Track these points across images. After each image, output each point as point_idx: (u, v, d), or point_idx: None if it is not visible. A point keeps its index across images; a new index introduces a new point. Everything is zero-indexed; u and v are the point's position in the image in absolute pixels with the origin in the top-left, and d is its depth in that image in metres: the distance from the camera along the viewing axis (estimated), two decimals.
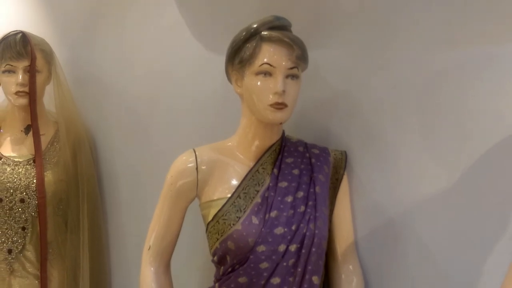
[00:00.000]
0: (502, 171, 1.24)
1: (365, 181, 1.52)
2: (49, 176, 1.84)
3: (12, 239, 1.82)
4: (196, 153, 1.40)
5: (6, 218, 1.81)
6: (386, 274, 1.48)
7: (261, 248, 1.28)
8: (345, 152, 1.50)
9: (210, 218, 1.34)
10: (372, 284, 1.51)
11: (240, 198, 1.33)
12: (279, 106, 1.30)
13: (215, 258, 1.37)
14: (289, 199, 1.34)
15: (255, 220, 1.30)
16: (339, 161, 1.48)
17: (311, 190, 1.37)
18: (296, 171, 1.39)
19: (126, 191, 1.99)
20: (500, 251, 1.27)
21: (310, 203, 1.35)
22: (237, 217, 1.30)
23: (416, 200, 1.42)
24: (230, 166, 1.39)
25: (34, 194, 1.81)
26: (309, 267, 1.30)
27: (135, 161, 1.97)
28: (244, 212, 1.31)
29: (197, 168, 1.38)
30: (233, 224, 1.30)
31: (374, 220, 1.50)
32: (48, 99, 2.01)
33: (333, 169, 1.46)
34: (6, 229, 1.81)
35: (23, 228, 1.82)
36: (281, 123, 1.36)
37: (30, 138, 1.87)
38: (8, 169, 1.83)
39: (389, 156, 1.45)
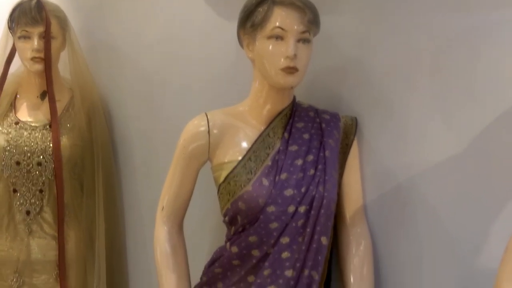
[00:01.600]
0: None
1: (375, 146, 1.54)
2: (64, 140, 1.88)
3: (30, 201, 1.87)
4: (208, 116, 1.43)
5: (24, 180, 1.86)
6: (394, 238, 1.52)
7: (271, 208, 1.32)
8: (356, 118, 1.52)
9: (221, 180, 1.38)
10: (380, 247, 1.54)
11: (250, 160, 1.36)
12: (291, 70, 1.31)
13: (226, 218, 1.41)
14: (299, 162, 1.37)
15: (265, 182, 1.34)
16: (349, 127, 1.49)
17: (321, 154, 1.40)
18: (306, 136, 1.41)
19: (139, 157, 2.03)
20: (508, 216, 1.29)
21: (319, 166, 1.38)
22: (247, 178, 1.34)
23: (425, 164, 1.44)
24: (241, 129, 1.42)
25: (50, 158, 1.86)
26: (318, 228, 1.33)
27: (148, 127, 2.00)
28: (255, 174, 1.34)
29: (209, 132, 1.41)
30: (244, 186, 1.33)
31: (383, 185, 1.52)
32: (63, 66, 2.04)
33: (343, 135, 1.48)
34: (25, 191, 1.87)
35: (41, 191, 1.88)
36: (292, 87, 1.38)
37: (46, 103, 1.91)
38: (25, 133, 1.88)
39: (400, 121, 1.47)
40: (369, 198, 1.55)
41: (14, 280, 1.87)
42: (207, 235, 1.74)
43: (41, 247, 1.88)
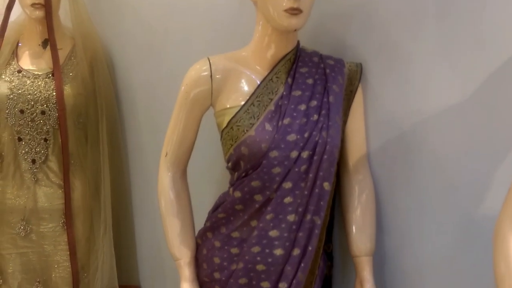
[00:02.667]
0: None
1: (380, 93, 1.52)
2: (67, 89, 1.88)
3: (35, 150, 1.88)
4: (211, 61, 1.41)
5: (29, 129, 1.87)
6: (397, 185, 1.52)
7: (273, 153, 1.32)
8: (361, 64, 1.50)
9: (224, 125, 1.37)
10: (383, 195, 1.55)
11: (253, 105, 1.35)
12: (294, 11, 1.28)
13: (230, 164, 1.41)
14: (302, 107, 1.35)
15: (268, 127, 1.33)
16: (354, 73, 1.47)
17: (325, 99, 1.38)
18: (310, 81, 1.40)
19: (143, 106, 2.03)
20: (510, 162, 1.28)
21: (323, 112, 1.36)
22: (250, 123, 1.33)
23: (430, 111, 1.42)
24: (244, 74, 1.40)
25: (54, 107, 1.85)
26: (321, 173, 1.33)
27: (151, 76, 1.98)
28: (258, 119, 1.34)
29: (211, 77, 1.40)
30: (247, 130, 1.33)
31: (387, 132, 1.52)
32: (64, 15, 2.01)
33: (347, 81, 1.46)
34: (29, 140, 1.88)
35: (45, 140, 1.89)
36: (296, 30, 1.35)
37: (48, 52, 1.89)
38: (28, 81, 1.87)
39: (405, 67, 1.45)
40: (373, 146, 1.54)
41: (22, 228, 1.90)
42: (211, 181, 1.75)
43: (48, 195, 1.91)
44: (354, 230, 1.47)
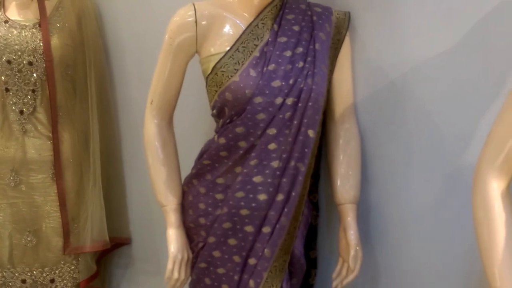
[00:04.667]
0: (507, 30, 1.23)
1: (369, 42, 1.51)
2: (55, 40, 1.85)
3: (23, 101, 1.87)
4: (196, 7, 1.39)
5: (16, 80, 1.85)
6: (384, 135, 1.53)
7: (258, 99, 1.32)
8: (349, 13, 1.48)
9: (209, 71, 1.37)
10: (369, 145, 1.55)
11: (238, 51, 1.34)
12: None
13: (214, 111, 1.41)
14: (288, 54, 1.35)
15: (252, 73, 1.32)
16: (342, 21, 1.46)
17: (311, 46, 1.37)
18: (296, 28, 1.38)
19: (132, 59, 2.01)
20: (496, 114, 1.28)
21: (309, 59, 1.36)
22: (235, 69, 1.32)
23: (419, 61, 1.42)
24: (230, 20, 1.39)
25: (41, 58, 1.84)
26: (305, 121, 1.34)
27: (140, 28, 1.96)
28: (242, 64, 1.33)
29: (196, 22, 1.38)
30: (231, 76, 1.32)
31: (375, 82, 1.51)
32: None
33: (335, 29, 1.45)
34: (17, 90, 1.86)
35: (33, 91, 1.87)
36: None
37: (35, 2, 1.86)
38: (15, 32, 1.85)
39: (394, 16, 1.44)
40: (360, 96, 1.54)
41: (11, 178, 1.91)
42: (198, 131, 1.75)
43: (36, 146, 1.91)
44: (339, 178, 1.48)
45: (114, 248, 2.14)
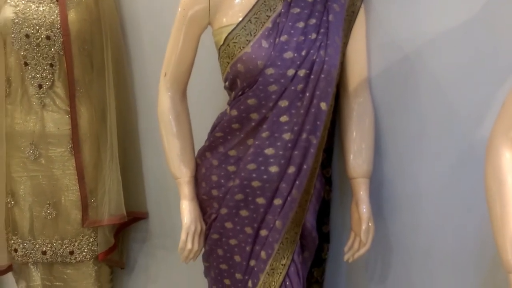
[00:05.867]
0: None
1: (383, 15, 1.49)
2: (72, 14, 1.87)
3: (41, 75, 1.90)
4: None
5: (34, 54, 1.88)
6: (397, 110, 1.51)
7: (269, 71, 1.31)
8: None
9: (221, 42, 1.36)
10: (383, 119, 1.54)
11: (251, 22, 1.33)
12: None
13: (227, 83, 1.41)
14: (301, 25, 1.33)
15: (264, 44, 1.32)
16: None
17: (324, 18, 1.36)
18: None
19: (148, 33, 2.02)
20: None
21: (322, 30, 1.34)
22: (247, 40, 1.32)
23: (433, 34, 1.40)
24: None
25: (59, 32, 1.86)
26: (317, 93, 1.33)
27: (157, 3, 1.96)
28: (254, 35, 1.32)
29: None
30: (243, 47, 1.32)
31: (389, 55, 1.49)
32: None
33: (349, 1, 1.44)
34: (35, 64, 1.89)
35: (51, 65, 1.90)
36: None
37: None
38: (33, 6, 1.87)
39: None
40: (374, 69, 1.53)
41: (31, 152, 1.95)
42: (210, 103, 1.75)
43: (55, 120, 1.94)
44: (351, 152, 1.48)
45: (131, 223, 2.18)
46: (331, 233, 1.68)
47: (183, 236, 1.46)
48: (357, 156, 1.47)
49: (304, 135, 1.34)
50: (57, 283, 2.05)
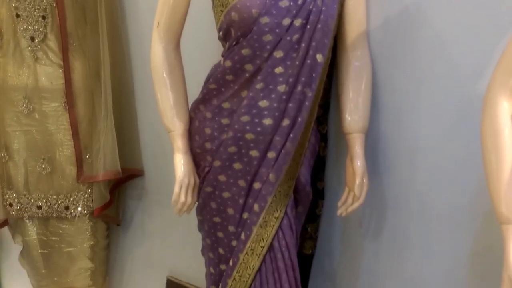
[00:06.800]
0: None
1: None
2: None
3: (33, 27, 1.87)
4: None
5: (26, 5, 1.84)
6: (396, 64, 1.48)
7: (264, 20, 1.28)
8: None
9: None
10: (381, 74, 1.51)
11: None
12: None
13: (221, 33, 1.38)
14: None
15: None
16: None
17: None
18: None
19: None
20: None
21: None
22: None
23: None
24: None
25: None
26: (313, 44, 1.30)
27: None
28: None
29: None
30: None
31: (388, 8, 1.46)
32: None
33: None
34: (27, 16, 1.86)
35: (43, 17, 1.86)
36: None
37: None
38: None
39: None
40: (373, 22, 1.49)
41: (24, 106, 1.93)
42: (204, 56, 1.72)
43: (48, 74, 1.91)
44: (348, 108, 1.45)
45: (127, 180, 2.18)
46: (326, 189, 1.67)
47: (176, 189, 1.45)
48: (354, 112, 1.44)
49: (299, 87, 1.31)
50: (53, 238, 2.07)
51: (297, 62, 1.30)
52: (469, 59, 1.36)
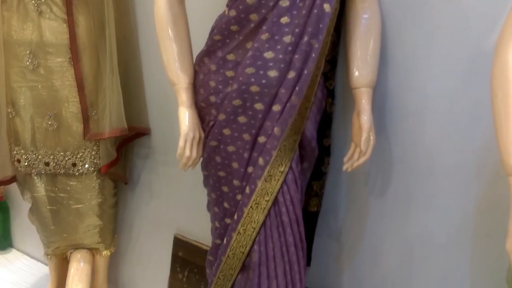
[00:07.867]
0: None
1: None
2: None
3: None
4: None
5: None
6: (406, 19, 1.44)
7: None
8: None
9: None
10: (391, 28, 1.47)
11: None
12: None
13: None
14: None
15: None
16: None
17: None
18: None
19: None
20: None
21: None
22: None
23: None
24: None
25: None
26: None
27: None
28: None
29: None
30: None
31: None
32: None
33: None
34: None
35: None
36: None
37: None
38: None
39: None
40: None
41: (30, 61, 1.91)
42: (209, 5, 1.68)
43: (52, 29, 1.88)
44: (356, 62, 1.42)
45: (134, 138, 2.17)
46: (332, 146, 1.65)
47: (181, 142, 1.44)
48: (362, 68, 1.41)
49: (305, 38, 1.28)
50: (61, 195, 2.08)
51: (303, 12, 1.26)
52: (482, 11, 1.31)
